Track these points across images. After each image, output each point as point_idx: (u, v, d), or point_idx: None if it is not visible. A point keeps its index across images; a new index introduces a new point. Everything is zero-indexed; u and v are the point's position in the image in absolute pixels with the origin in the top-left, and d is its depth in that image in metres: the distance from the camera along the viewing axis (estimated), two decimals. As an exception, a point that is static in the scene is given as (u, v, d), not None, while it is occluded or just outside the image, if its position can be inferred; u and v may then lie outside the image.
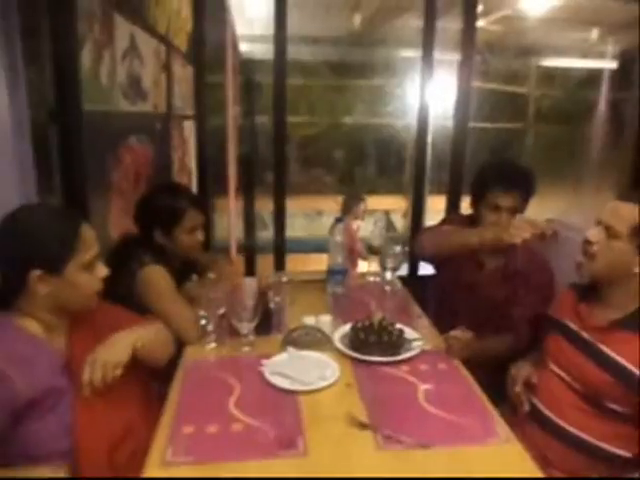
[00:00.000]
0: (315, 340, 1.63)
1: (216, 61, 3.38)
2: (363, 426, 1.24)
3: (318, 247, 2.58)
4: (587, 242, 1.41)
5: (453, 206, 2.76)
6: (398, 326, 1.65)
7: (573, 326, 1.49)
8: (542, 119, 6.34)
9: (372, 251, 4.34)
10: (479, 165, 2.05)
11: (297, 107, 6.23)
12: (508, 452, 1.19)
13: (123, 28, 1.87)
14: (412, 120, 2.95)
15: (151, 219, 1.80)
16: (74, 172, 1.61)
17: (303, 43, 4.73)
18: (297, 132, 6.54)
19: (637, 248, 1.34)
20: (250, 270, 2.96)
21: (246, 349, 1.59)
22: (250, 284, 1.78)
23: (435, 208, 3.27)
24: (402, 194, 6.45)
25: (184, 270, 1.85)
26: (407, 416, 1.30)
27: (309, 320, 1.72)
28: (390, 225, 5.71)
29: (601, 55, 4.68)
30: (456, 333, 1.61)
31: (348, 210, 4.73)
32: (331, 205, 5.39)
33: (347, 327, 1.68)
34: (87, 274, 1.24)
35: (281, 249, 2.73)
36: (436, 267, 2.18)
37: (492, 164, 2.06)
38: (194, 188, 2.75)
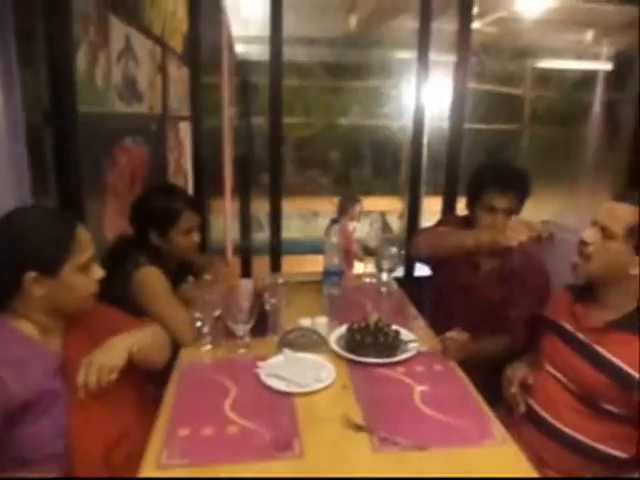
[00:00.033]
0: (311, 342, 1.62)
1: (212, 62, 3.37)
2: (359, 428, 1.24)
3: (314, 248, 2.57)
4: (583, 243, 1.41)
5: (449, 207, 2.77)
6: (394, 327, 1.65)
7: (569, 327, 1.49)
8: (538, 120, 6.35)
9: (368, 252, 4.34)
10: (475, 166, 2.06)
11: (293, 108, 6.23)
12: (504, 453, 1.19)
13: (118, 29, 1.86)
14: (408, 121, 2.95)
15: (147, 220, 1.80)
16: (69, 174, 1.61)
17: (299, 44, 4.73)
18: (293, 133, 6.53)
19: (633, 249, 1.34)
20: (246, 271, 2.96)
21: (242, 351, 1.58)
22: (246, 286, 1.77)
23: (431, 209, 3.27)
24: (398, 195, 6.45)
25: (180, 272, 1.85)
26: (403, 418, 1.30)
27: (305, 322, 1.72)
28: (386, 226, 5.71)
29: (596, 57, 4.70)
30: (452, 334, 1.62)
31: (344, 211, 4.73)
32: (327, 206, 5.39)
33: (343, 329, 1.68)
34: (83, 276, 1.23)
35: (277, 250, 2.73)
36: (432, 268, 2.19)
37: (487, 165, 2.07)
38: (190, 189, 2.74)
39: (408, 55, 4.36)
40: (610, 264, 1.38)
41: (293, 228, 6.33)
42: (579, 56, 5.08)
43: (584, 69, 5.18)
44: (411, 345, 1.61)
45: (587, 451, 1.39)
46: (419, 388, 1.43)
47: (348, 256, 4.34)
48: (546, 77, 5.96)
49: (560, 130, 5.93)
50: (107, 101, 1.81)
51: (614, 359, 1.34)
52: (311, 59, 5.62)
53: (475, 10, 2.76)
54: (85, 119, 1.61)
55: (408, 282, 2.60)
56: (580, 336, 1.45)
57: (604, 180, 3.28)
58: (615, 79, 4.37)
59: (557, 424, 1.43)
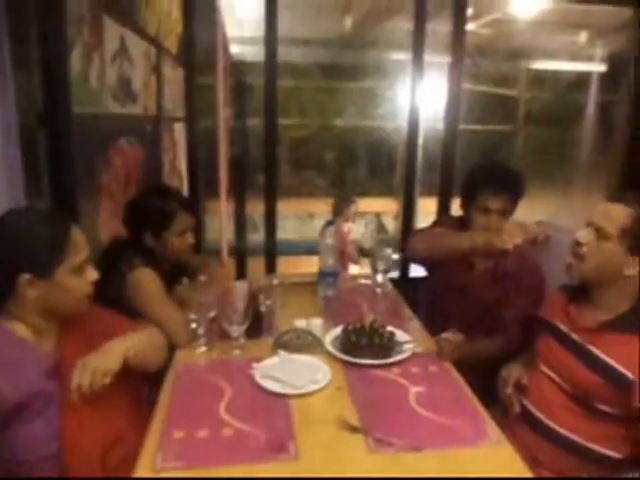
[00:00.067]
0: (306, 343, 1.62)
1: (206, 63, 3.37)
2: (354, 429, 1.24)
3: (309, 249, 2.57)
4: (577, 243, 1.42)
5: (444, 208, 2.77)
6: (389, 329, 1.65)
7: (563, 327, 1.50)
8: (532, 121, 6.38)
9: (363, 253, 4.35)
10: (469, 168, 2.06)
11: (288, 109, 6.23)
12: (499, 454, 1.19)
13: (113, 30, 1.86)
14: (403, 122, 2.95)
15: (141, 222, 1.79)
16: (63, 175, 1.60)
17: (294, 45, 4.73)
18: (288, 134, 6.53)
19: (627, 249, 1.35)
20: (241, 273, 2.95)
21: (237, 352, 1.58)
22: (241, 287, 1.77)
23: (426, 210, 3.28)
24: (393, 196, 6.46)
25: (174, 273, 1.84)
26: (398, 419, 1.30)
27: (300, 323, 1.71)
28: (381, 227, 5.72)
29: (590, 58, 4.72)
30: (447, 335, 1.62)
31: (339, 212, 4.73)
32: (322, 207, 5.38)
33: (338, 330, 1.68)
34: (77, 278, 1.23)
35: (272, 251, 2.73)
36: (427, 269, 2.19)
37: (481, 167, 2.07)
38: (185, 190, 2.74)
39: (403, 56, 4.36)
40: (604, 264, 1.39)
41: (288, 229, 6.33)
42: (573, 57, 5.10)
43: (578, 70, 5.20)
44: (406, 346, 1.61)
45: (581, 451, 1.39)
46: (414, 389, 1.43)
47: (343, 257, 4.34)
48: (540, 78, 5.98)
49: (554, 131, 5.95)
50: (101, 102, 1.81)
51: (608, 359, 1.35)
52: (306, 60, 5.62)
53: (470, 12, 2.77)
54: (79, 120, 1.60)
55: (403, 283, 2.61)
56: (574, 336, 1.45)
57: (598, 181, 3.29)
58: (609, 80, 4.39)
59: (551, 424, 1.44)
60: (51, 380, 1.18)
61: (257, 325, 1.68)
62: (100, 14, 1.75)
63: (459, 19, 2.62)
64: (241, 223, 4.38)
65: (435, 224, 2.17)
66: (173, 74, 2.73)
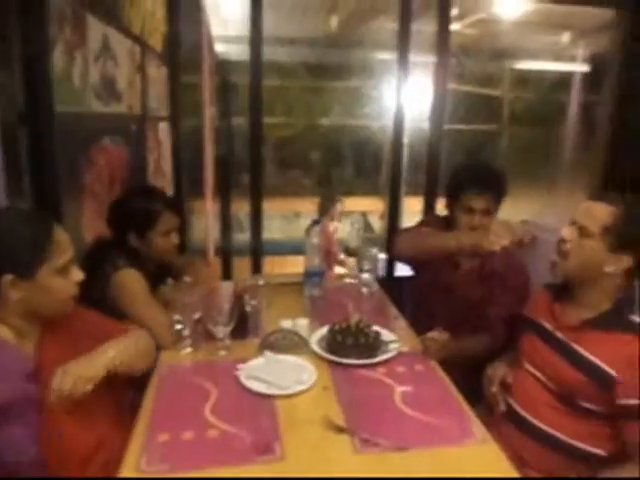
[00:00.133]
0: (292, 344, 1.62)
1: (191, 62, 3.34)
2: (340, 430, 1.24)
3: (295, 249, 2.56)
4: (561, 240, 1.43)
5: (429, 207, 2.78)
6: (375, 328, 1.65)
7: (547, 326, 1.51)
8: (516, 121, 6.42)
9: (349, 253, 4.35)
10: (453, 167, 2.08)
11: (274, 108, 6.21)
12: (484, 452, 1.20)
13: (96, 29, 1.84)
14: (388, 122, 2.96)
15: (125, 222, 1.78)
16: (45, 174, 1.58)
17: (279, 44, 4.71)
18: (274, 133, 6.51)
19: (608, 247, 1.36)
20: (227, 273, 2.93)
21: (222, 353, 1.57)
22: (226, 288, 1.76)
23: (412, 209, 3.29)
24: (379, 195, 6.47)
25: (159, 273, 1.83)
26: (384, 419, 1.30)
27: (286, 323, 1.71)
28: (368, 226, 5.72)
29: (572, 58, 4.75)
30: (433, 334, 1.63)
31: (325, 212, 4.72)
32: (308, 207, 5.38)
33: (324, 330, 1.68)
34: (61, 278, 1.21)
35: (258, 251, 2.72)
36: (413, 268, 2.20)
37: (465, 167, 2.08)
38: (170, 190, 2.72)
39: (388, 56, 4.37)
40: (586, 262, 1.40)
41: (274, 229, 6.31)
42: (556, 58, 5.14)
43: (561, 71, 5.24)
44: (392, 346, 1.62)
45: (566, 449, 1.40)
46: (400, 389, 1.43)
47: (329, 257, 4.34)
48: (524, 78, 6.02)
49: (538, 131, 6.00)
50: (84, 101, 1.79)
51: (591, 357, 1.36)
52: (292, 59, 5.60)
53: (454, 12, 2.79)
54: (61, 119, 1.58)
55: (389, 282, 2.61)
56: (558, 335, 1.46)
57: (581, 180, 3.32)
58: (591, 81, 4.44)
59: (536, 423, 1.45)
60: (31, 383, 1.16)
61: (242, 326, 1.67)
62: (83, 12, 1.72)
63: (444, 19, 2.63)
64: (227, 223, 4.36)
65: (421, 223, 2.18)
66: (158, 73, 2.71)
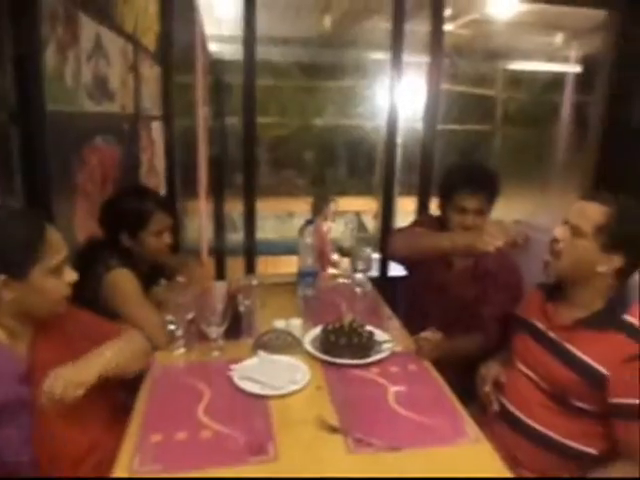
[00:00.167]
0: (285, 344, 1.62)
1: (184, 61, 3.33)
2: (333, 430, 1.24)
3: (289, 249, 2.57)
4: (554, 240, 1.44)
5: (423, 207, 2.79)
6: (368, 328, 1.65)
7: (540, 325, 1.51)
8: (509, 121, 6.44)
9: (343, 253, 4.35)
10: (446, 167, 2.08)
11: (267, 108, 6.21)
12: (478, 452, 1.20)
13: (88, 28, 1.83)
14: (382, 122, 2.97)
15: (117, 222, 1.77)
16: (37, 174, 1.57)
17: (272, 44, 4.71)
18: (267, 133, 6.51)
19: (601, 247, 1.37)
20: (220, 273, 2.93)
21: (216, 354, 1.57)
22: (219, 288, 1.76)
23: (405, 209, 3.30)
24: (372, 195, 6.48)
25: (152, 274, 1.82)
26: (377, 419, 1.30)
27: (279, 323, 1.71)
28: (361, 226, 5.73)
29: (565, 59, 4.78)
30: (426, 334, 1.63)
31: (318, 211, 4.72)
32: (302, 207, 5.38)
33: (317, 330, 1.68)
34: (54, 279, 1.20)
35: (251, 251, 2.72)
36: (407, 268, 2.20)
37: (458, 167, 2.09)
38: (163, 190, 2.71)
39: (382, 56, 4.38)
40: (579, 262, 1.41)
41: (268, 229, 6.30)
42: (549, 58, 5.17)
43: (554, 71, 5.26)
44: (385, 345, 1.62)
45: (559, 448, 1.41)
46: (393, 388, 1.43)
47: (322, 257, 4.34)
48: (517, 79, 6.05)
49: (531, 131, 6.02)
50: (77, 100, 1.78)
51: (584, 356, 1.37)
52: (285, 59, 5.60)
53: (448, 12, 2.80)
54: (53, 118, 1.57)
55: (382, 282, 2.62)
56: (551, 334, 1.47)
57: (573, 180, 3.33)
58: (583, 81, 4.46)
59: (529, 422, 1.45)
60: (24, 385, 1.15)
61: (236, 326, 1.67)
62: (75, 11, 1.71)
63: (437, 19, 2.64)
64: (220, 223, 4.36)
65: (414, 223, 2.18)
66: (151, 72, 2.70)
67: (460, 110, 5.86)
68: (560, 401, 1.42)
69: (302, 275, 2.06)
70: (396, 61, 2.65)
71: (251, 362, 1.51)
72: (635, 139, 2.73)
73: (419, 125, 2.75)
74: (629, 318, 1.36)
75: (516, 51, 5.37)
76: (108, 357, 1.25)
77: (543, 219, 2.30)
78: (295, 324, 1.70)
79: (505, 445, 1.39)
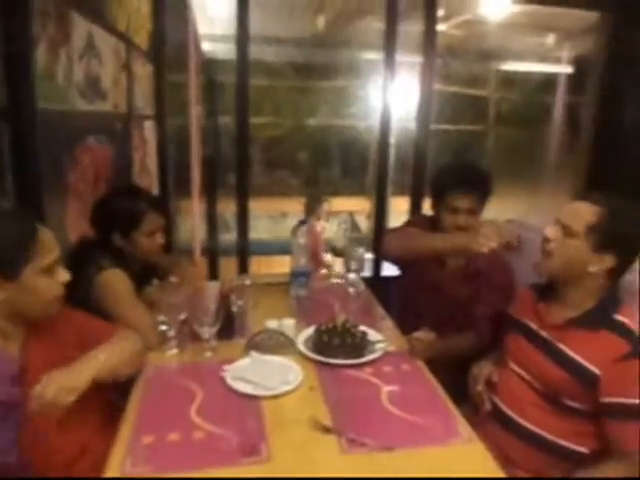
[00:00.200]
0: (278, 344, 1.61)
1: (177, 60, 3.32)
2: (327, 430, 1.24)
3: (282, 249, 2.56)
4: (545, 240, 1.44)
5: (416, 207, 2.79)
6: (361, 328, 1.65)
7: (532, 325, 1.52)
8: (502, 122, 6.47)
9: (336, 253, 4.35)
10: (438, 167, 2.08)
11: (261, 108, 6.20)
12: (470, 452, 1.20)
13: (81, 26, 1.82)
14: (375, 122, 2.97)
15: (109, 222, 1.76)
16: (27, 172, 1.56)
17: (266, 44, 4.71)
18: (261, 133, 6.50)
19: (592, 247, 1.37)
20: (213, 273, 2.92)
21: (208, 354, 1.56)
22: (212, 288, 1.75)
23: (398, 209, 3.30)
24: (366, 195, 6.48)
25: (144, 274, 1.81)
26: (371, 419, 1.30)
27: (272, 324, 1.70)
28: (355, 226, 5.72)
29: (557, 60, 4.80)
30: (419, 334, 1.63)
31: (311, 212, 4.72)
32: (295, 207, 5.37)
33: (311, 330, 1.67)
34: (46, 279, 1.19)
35: (244, 251, 2.71)
36: (401, 268, 2.20)
37: (450, 167, 2.09)
38: (155, 189, 2.70)
39: (375, 56, 4.38)
40: (570, 261, 1.41)
41: (261, 229, 6.30)
42: (541, 59, 5.19)
43: (546, 72, 5.29)
44: (378, 345, 1.62)
45: (551, 448, 1.41)
46: (386, 388, 1.43)
47: (315, 257, 4.33)
48: (510, 79, 6.07)
49: (523, 131, 6.05)
50: (68, 99, 1.77)
51: (576, 356, 1.37)
52: (279, 59, 5.60)
53: (441, 13, 2.80)
54: (44, 116, 1.56)
55: (375, 282, 2.62)
56: (543, 334, 1.47)
57: (565, 180, 3.35)
58: (575, 82, 4.48)
59: (521, 421, 1.46)
60: (16, 386, 1.14)
61: (229, 326, 1.66)
62: (67, 9, 1.70)
63: (430, 20, 2.64)
64: (213, 223, 4.35)
65: (407, 223, 2.18)
66: (143, 71, 2.69)
67: (453, 110, 5.88)
68: (552, 400, 1.42)
69: (295, 275, 2.05)
70: (389, 61, 2.65)
71: (244, 362, 1.50)
72: (626, 140, 2.74)
73: (412, 125, 2.75)
74: (620, 318, 1.36)
75: (509, 52, 5.40)
76: (102, 360, 1.24)
77: (535, 219, 2.31)
78: (288, 324, 1.70)
79: (498, 444, 1.39)
